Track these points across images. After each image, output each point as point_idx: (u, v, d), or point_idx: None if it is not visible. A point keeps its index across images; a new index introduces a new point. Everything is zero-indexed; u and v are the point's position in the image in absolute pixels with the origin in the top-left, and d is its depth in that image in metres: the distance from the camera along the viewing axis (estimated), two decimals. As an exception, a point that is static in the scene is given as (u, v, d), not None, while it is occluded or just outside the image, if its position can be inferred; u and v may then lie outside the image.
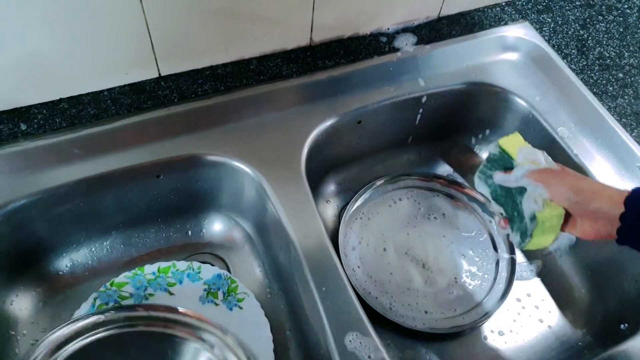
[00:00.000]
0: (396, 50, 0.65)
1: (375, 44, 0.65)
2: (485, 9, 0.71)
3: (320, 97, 0.61)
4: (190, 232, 0.62)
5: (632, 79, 0.67)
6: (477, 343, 0.58)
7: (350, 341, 0.44)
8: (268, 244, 0.59)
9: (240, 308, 0.56)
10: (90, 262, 0.58)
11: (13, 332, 0.52)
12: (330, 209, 0.68)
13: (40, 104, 0.54)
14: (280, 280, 0.58)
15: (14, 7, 0.45)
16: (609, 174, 0.58)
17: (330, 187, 0.69)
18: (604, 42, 0.70)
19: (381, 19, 0.65)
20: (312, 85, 0.60)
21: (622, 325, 0.51)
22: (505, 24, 0.70)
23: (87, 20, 0.49)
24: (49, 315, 0.54)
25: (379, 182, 0.68)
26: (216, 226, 0.62)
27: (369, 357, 0.43)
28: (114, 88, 0.56)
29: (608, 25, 0.73)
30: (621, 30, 0.72)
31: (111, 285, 0.56)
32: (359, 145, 0.67)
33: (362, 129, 0.65)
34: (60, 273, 0.57)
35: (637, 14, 0.75)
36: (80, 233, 0.57)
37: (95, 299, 0.55)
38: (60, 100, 0.55)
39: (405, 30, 0.67)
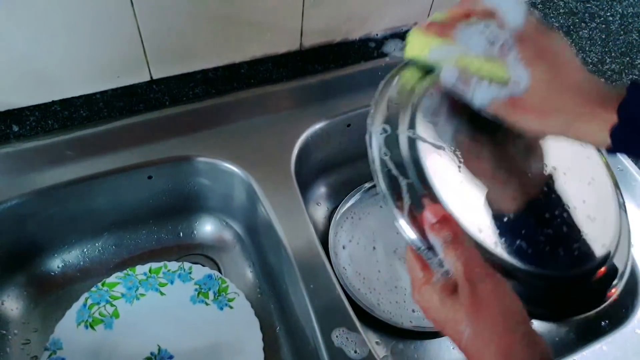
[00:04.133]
0: (385, 55, 0.66)
1: (364, 49, 0.66)
2: (472, 16, 0.72)
3: (310, 100, 0.62)
4: (181, 233, 0.62)
5: (614, 84, 0.69)
6: (463, 342, 0.59)
7: (337, 336, 0.45)
8: (258, 244, 0.60)
9: (231, 308, 0.57)
10: (81, 262, 0.59)
11: (4, 332, 0.53)
12: (320, 211, 0.69)
13: (32, 106, 0.55)
14: (270, 280, 0.59)
15: (5, 9, 0.45)
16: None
17: (321, 190, 0.70)
18: (587, 49, 0.72)
19: (370, 25, 0.67)
20: (302, 89, 0.62)
21: (602, 322, 0.53)
22: None
23: (79, 23, 0.49)
24: (40, 315, 0.55)
25: (369, 184, 0.69)
26: (207, 227, 0.63)
27: (355, 351, 0.44)
28: (106, 91, 0.57)
29: (591, 32, 0.75)
30: (603, 37, 0.74)
31: (102, 285, 0.56)
32: (348, 148, 0.68)
33: (351, 132, 0.66)
34: (52, 274, 0.57)
35: (619, 22, 0.77)
36: (72, 234, 0.58)
37: (86, 299, 0.55)
38: (53, 102, 0.55)
39: (393, 35, 0.68)
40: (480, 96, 0.36)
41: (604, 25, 0.76)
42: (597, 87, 0.34)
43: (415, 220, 0.35)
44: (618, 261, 0.42)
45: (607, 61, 0.71)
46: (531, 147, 0.42)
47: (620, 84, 0.33)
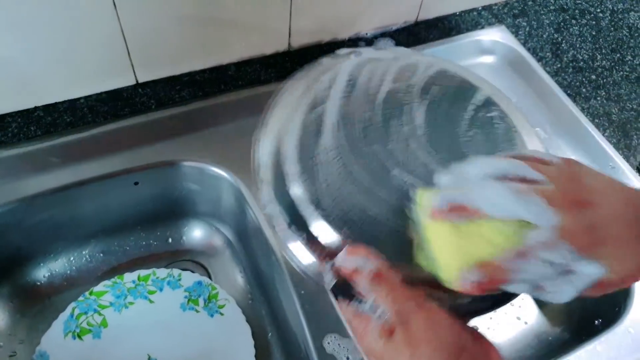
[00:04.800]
0: (374, 54, 0.65)
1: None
2: (462, 14, 0.72)
3: (300, 102, 0.61)
4: (170, 239, 0.61)
5: (605, 80, 0.68)
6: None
7: (328, 343, 0.44)
8: (249, 250, 0.59)
9: (222, 314, 0.56)
10: (68, 271, 0.57)
11: (-11, 344, 0.51)
12: (312, 213, 0.68)
13: (14, 112, 0.53)
14: (261, 285, 0.58)
15: (-15, 15, 0.44)
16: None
17: (312, 192, 0.69)
18: (578, 45, 0.72)
19: (359, 24, 0.66)
20: (291, 90, 0.61)
21: (596, 321, 0.53)
22: (482, 28, 0.71)
23: (61, 27, 0.48)
24: (26, 326, 0.53)
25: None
26: (196, 233, 0.62)
27: (347, 358, 0.43)
28: (90, 95, 0.56)
29: (581, 29, 0.74)
30: (594, 33, 0.74)
31: (90, 294, 0.55)
32: (339, 149, 0.67)
33: (342, 133, 0.65)
34: (38, 283, 0.56)
35: (609, 18, 0.77)
36: (58, 242, 0.57)
37: (74, 309, 0.54)
38: (36, 108, 0.54)
39: (383, 34, 0.68)
40: (567, 295, 0.32)
41: (594, 22, 0.76)
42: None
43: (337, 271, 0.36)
44: None
45: (598, 58, 0.71)
46: None
47: None
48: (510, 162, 0.34)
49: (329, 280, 0.39)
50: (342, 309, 0.36)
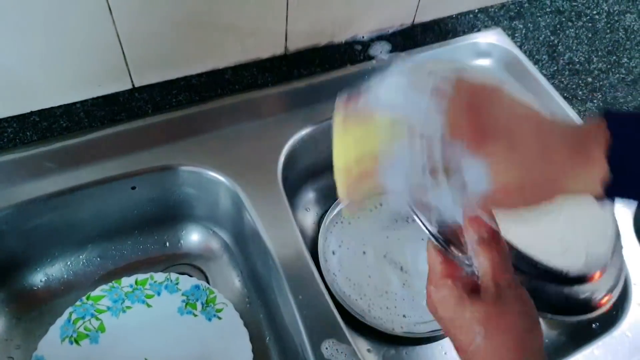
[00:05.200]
0: (371, 58, 0.65)
1: (350, 52, 0.65)
2: (459, 16, 0.72)
3: (297, 105, 0.61)
4: (168, 243, 0.61)
5: (601, 83, 0.69)
6: (455, 346, 0.59)
7: (326, 348, 0.44)
8: (246, 253, 0.59)
9: (219, 318, 0.56)
10: (65, 276, 0.57)
11: (-15, 350, 0.51)
12: (309, 217, 0.68)
13: (10, 117, 0.53)
14: (259, 289, 0.58)
15: (-20, 20, 0.44)
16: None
17: (309, 195, 0.69)
18: (574, 48, 0.72)
19: (356, 27, 0.66)
20: (288, 94, 0.61)
21: (593, 325, 0.53)
22: (478, 30, 0.71)
23: (57, 31, 0.48)
24: (23, 331, 0.53)
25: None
26: (194, 237, 0.62)
27: (345, 364, 0.43)
28: (86, 100, 0.56)
29: (577, 31, 0.75)
30: (590, 35, 0.74)
31: (87, 299, 0.55)
32: (336, 153, 0.67)
33: (339, 136, 0.65)
34: (35, 288, 0.56)
35: (605, 20, 0.77)
36: (55, 247, 0.57)
37: (70, 314, 0.54)
38: (31, 113, 0.54)
39: (380, 38, 0.68)
40: (449, 209, 0.31)
41: (590, 24, 0.76)
42: (561, 136, 0.29)
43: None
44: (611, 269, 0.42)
45: (594, 60, 0.71)
46: None
47: (590, 119, 0.29)
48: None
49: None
50: (429, 250, 0.33)
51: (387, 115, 0.31)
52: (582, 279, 0.45)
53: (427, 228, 0.34)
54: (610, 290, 0.44)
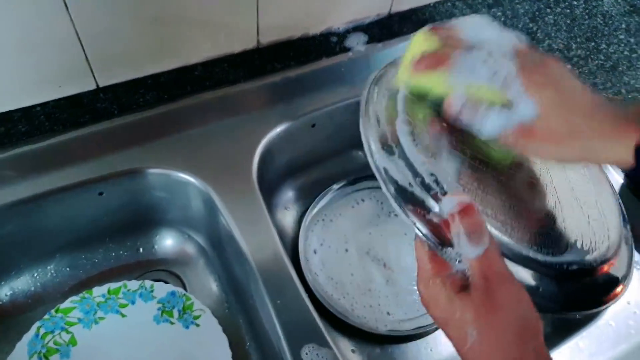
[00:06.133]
0: (347, 50, 0.63)
1: (325, 44, 0.63)
2: (436, 5, 0.70)
3: (271, 101, 0.59)
4: (141, 249, 0.59)
5: (580, 69, 0.68)
6: (442, 343, 0.58)
7: (306, 354, 0.43)
8: (223, 257, 0.57)
9: (197, 325, 0.54)
10: (32, 288, 0.54)
11: (-53, 371, 0.49)
12: (289, 216, 0.66)
13: (-36, 123, 0.50)
14: (237, 293, 0.56)
15: None
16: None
17: (289, 194, 0.67)
18: (553, 35, 0.71)
19: (331, 19, 0.64)
20: (262, 89, 0.59)
21: (577, 315, 0.52)
22: (456, 18, 0.69)
23: (9, 30, 0.45)
24: (-12, 348, 0.51)
25: (338, 185, 0.67)
26: (168, 242, 0.60)
27: (325, 370, 0.42)
28: (47, 102, 0.53)
29: (556, 18, 0.74)
30: (568, 22, 0.73)
31: (56, 312, 0.52)
32: (315, 149, 0.65)
33: (317, 132, 0.63)
34: (0, 303, 0.53)
35: (583, 6, 0.76)
36: (20, 258, 0.54)
37: (38, 328, 0.51)
38: (-13, 118, 0.51)
39: (356, 29, 0.66)
40: (490, 125, 0.34)
41: (568, 10, 0.75)
42: (608, 107, 0.33)
43: (421, 213, 0.33)
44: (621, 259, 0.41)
45: (573, 47, 0.70)
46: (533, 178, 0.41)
47: (630, 102, 0.36)
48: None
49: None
50: (417, 247, 0.33)
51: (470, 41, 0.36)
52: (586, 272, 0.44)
53: (415, 224, 0.33)
54: (622, 281, 0.43)
